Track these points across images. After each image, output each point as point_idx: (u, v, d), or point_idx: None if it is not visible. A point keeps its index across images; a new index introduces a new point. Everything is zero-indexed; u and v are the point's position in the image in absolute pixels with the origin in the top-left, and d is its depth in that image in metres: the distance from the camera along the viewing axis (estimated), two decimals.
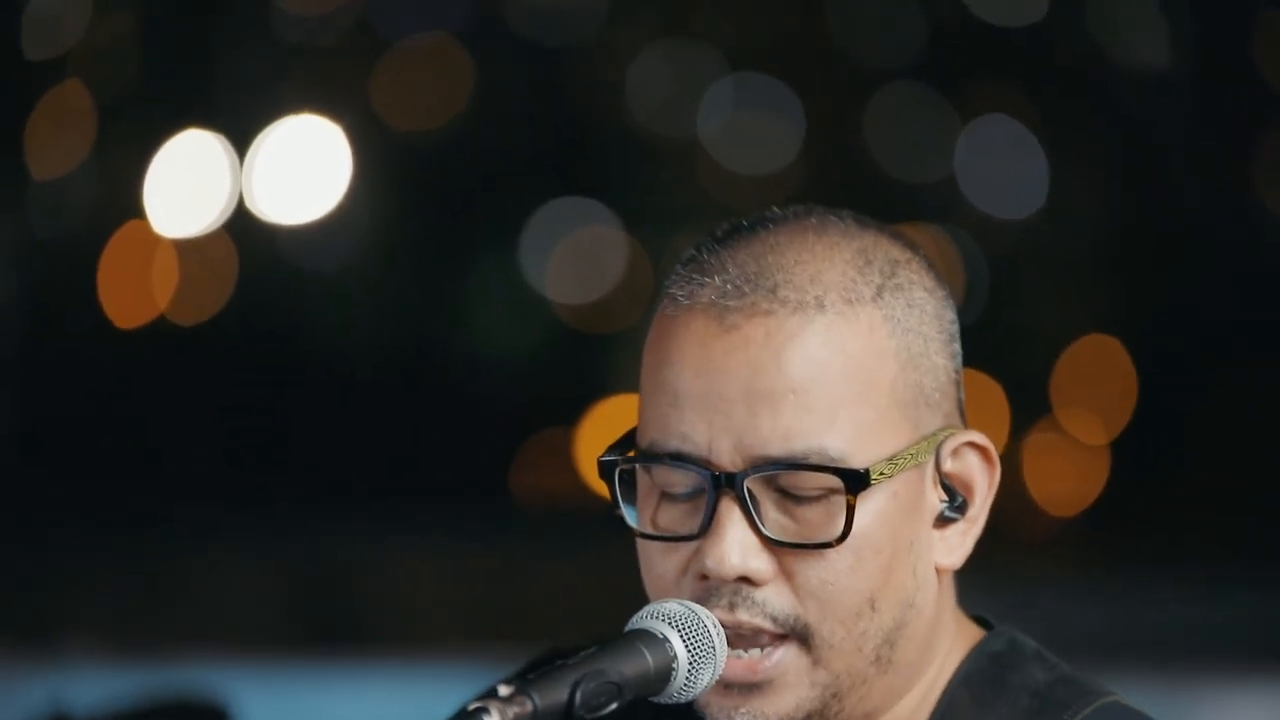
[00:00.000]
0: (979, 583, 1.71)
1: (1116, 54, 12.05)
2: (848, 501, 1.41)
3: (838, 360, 1.45)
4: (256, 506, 12.15)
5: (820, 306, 1.45)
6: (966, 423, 1.56)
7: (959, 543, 1.53)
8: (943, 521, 1.52)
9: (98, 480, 12.24)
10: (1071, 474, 12.50)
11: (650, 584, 1.51)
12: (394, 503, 12.02)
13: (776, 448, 1.42)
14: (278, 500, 12.20)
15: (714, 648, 1.40)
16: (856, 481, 1.40)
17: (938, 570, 1.51)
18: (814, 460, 1.42)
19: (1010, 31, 11.95)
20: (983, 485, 1.53)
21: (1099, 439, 12.52)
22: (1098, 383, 12.37)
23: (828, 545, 1.42)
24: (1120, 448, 12.35)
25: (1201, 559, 11.12)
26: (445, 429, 12.78)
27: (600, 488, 1.55)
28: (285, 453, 12.61)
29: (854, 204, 1.65)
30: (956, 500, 1.51)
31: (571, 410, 12.55)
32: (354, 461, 12.59)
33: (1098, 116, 12.37)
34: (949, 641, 1.56)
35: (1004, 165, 11.67)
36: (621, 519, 1.54)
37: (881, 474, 1.42)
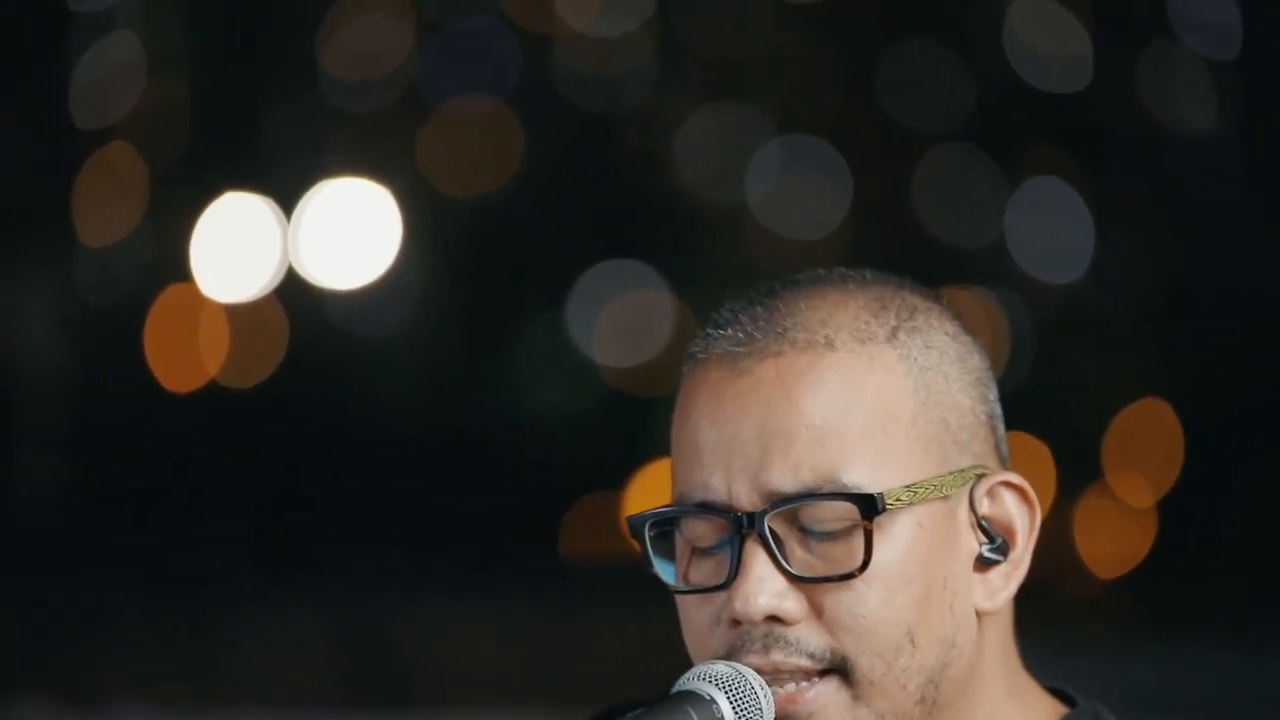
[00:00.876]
0: (1025, 642, 1.59)
1: (1164, 118, 12.16)
2: (865, 529, 1.40)
3: (850, 395, 1.44)
4: (306, 568, 12.35)
5: (830, 345, 1.46)
6: (1008, 468, 1.55)
7: (1001, 585, 1.50)
8: (984, 564, 1.50)
9: (147, 542, 12.39)
10: (1119, 536, 12.56)
11: (689, 639, 1.51)
12: (443, 564, 12.20)
13: (791, 483, 1.42)
14: (327, 561, 12.37)
15: (761, 709, 1.40)
16: (871, 506, 1.39)
17: (980, 614, 1.49)
18: (827, 490, 1.41)
19: (1058, 96, 12.06)
20: (1023, 527, 1.51)
21: (1146, 501, 12.62)
22: (1147, 446, 12.44)
23: (850, 576, 1.42)
24: (1167, 509, 12.44)
25: (1246, 622, 11.15)
26: (494, 491, 12.90)
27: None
28: (335, 515, 12.73)
29: (901, 268, 1.64)
30: (996, 542, 1.49)
31: (619, 472, 12.73)
32: (403, 523, 12.75)
33: (1145, 180, 12.51)
34: (1020, 710, 1.52)
35: (1052, 229, 11.77)
36: (657, 578, 1.54)
37: (898, 500, 1.41)
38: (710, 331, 1.56)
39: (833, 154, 12.83)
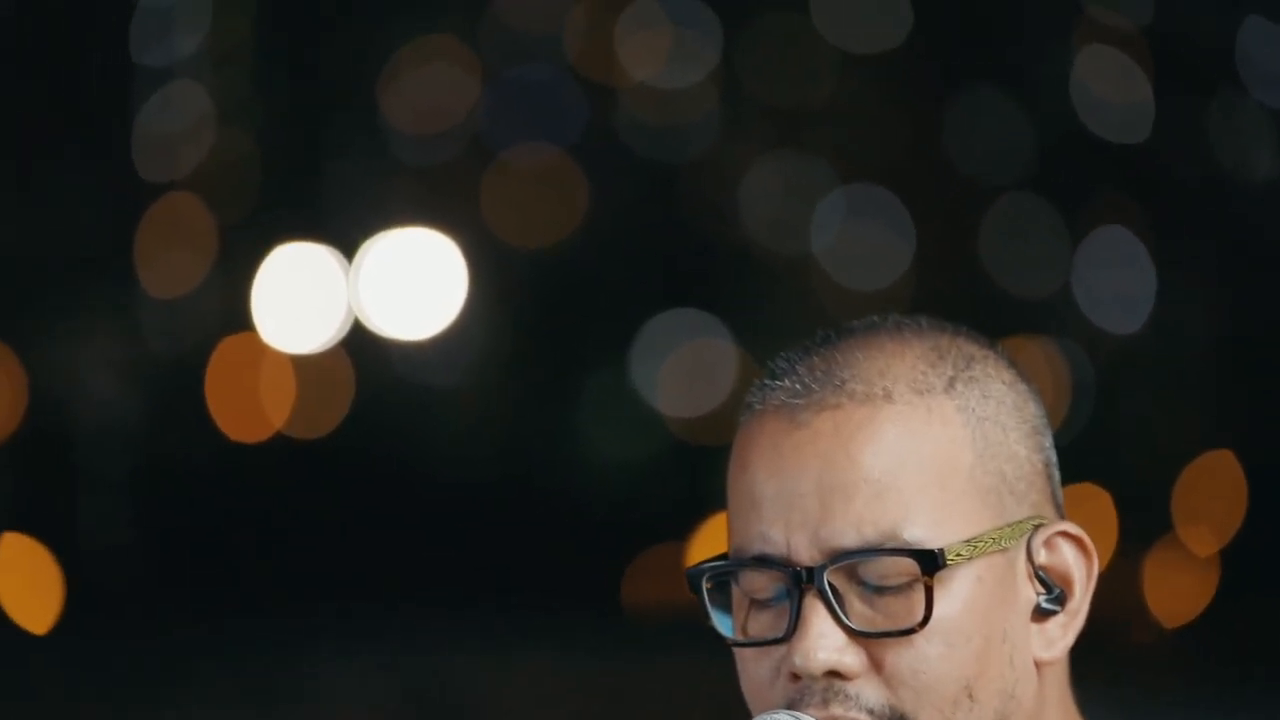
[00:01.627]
0: (1090, 690, 1.59)
1: (1229, 169, 12.19)
2: (925, 584, 1.39)
3: (909, 448, 1.43)
4: (370, 617, 12.53)
5: (888, 398, 1.45)
6: (1064, 517, 1.53)
7: (1059, 635, 1.50)
8: (1041, 614, 1.48)
9: (215, 591, 12.56)
10: (1184, 585, 12.60)
11: (748, 692, 1.51)
12: (506, 614, 12.40)
13: (851, 538, 1.40)
14: (390, 610, 12.56)
15: None
16: (931, 562, 1.38)
17: (1038, 664, 1.49)
18: (889, 546, 1.40)
19: (1123, 146, 12.11)
20: (1081, 576, 1.50)
21: (1209, 549, 12.72)
22: (1213, 497, 12.48)
23: (911, 631, 1.40)
24: (1230, 557, 12.46)
25: None
26: (557, 542, 13.11)
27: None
28: (398, 564, 12.88)
29: (964, 316, 1.56)
30: (1054, 592, 1.48)
31: (682, 524, 12.83)
32: (466, 573, 12.91)
33: (1209, 230, 12.49)
34: None
35: (1116, 278, 11.81)
36: (715, 631, 1.52)
37: (959, 555, 1.40)
38: (767, 382, 1.52)
39: (896, 203, 12.92)
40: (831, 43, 13.37)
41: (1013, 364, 1.51)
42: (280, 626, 12.09)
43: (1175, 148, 11.98)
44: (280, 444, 13.16)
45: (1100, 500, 11.45)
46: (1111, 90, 12.20)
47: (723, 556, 1.48)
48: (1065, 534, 1.48)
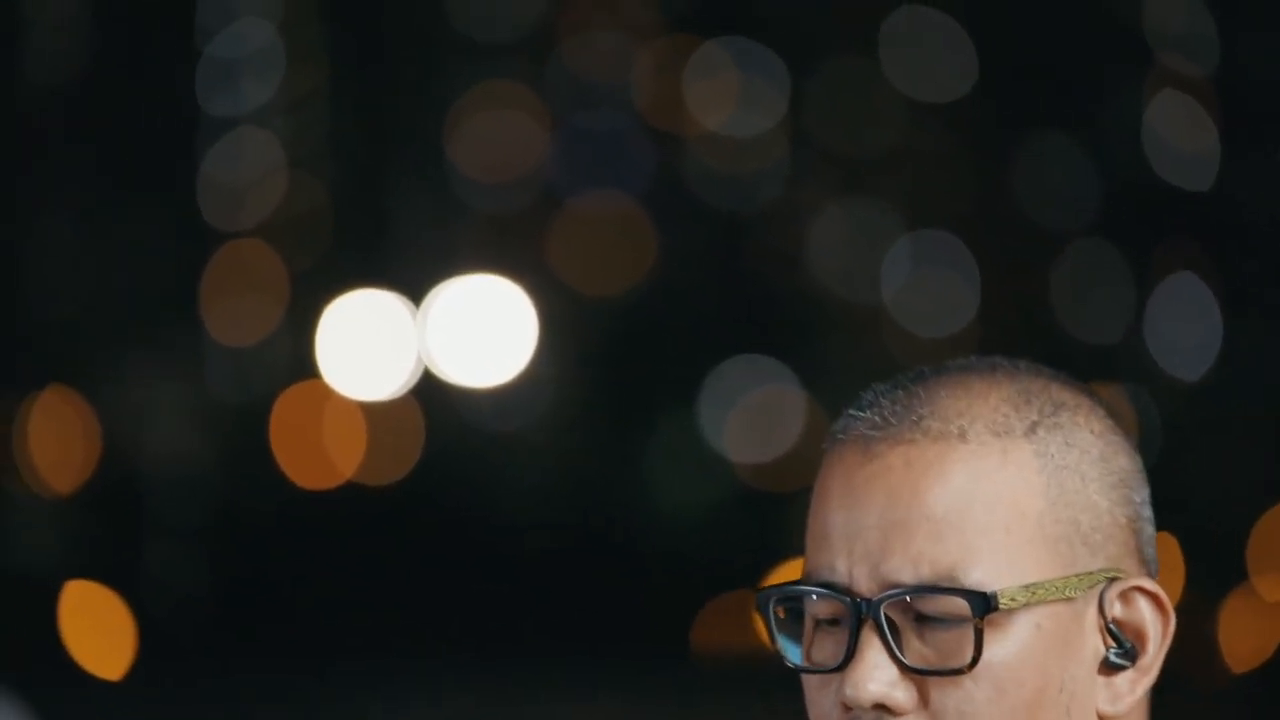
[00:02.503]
0: None
1: None
2: (975, 626, 1.35)
3: (978, 490, 1.39)
4: (439, 664, 12.67)
5: (962, 437, 1.40)
6: (1152, 573, 1.41)
7: (1126, 691, 1.43)
8: (1110, 669, 1.41)
9: (285, 637, 12.74)
10: (1254, 631, 12.70)
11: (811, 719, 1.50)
12: (576, 660, 12.50)
13: (908, 574, 1.36)
14: (460, 657, 12.75)
15: None
16: (983, 604, 1.35)
17: (1102, 718, 1.43)
18: (942, 585, 1.36)
19: (1191, 192, 12.15)
20: (1155, 634, 1.43)
21: (1278, 594, 12.88)
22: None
23: (959, 671, 1.37)
24: None
25: None
26: (627, 588, 13.29)
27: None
28: (467, 611, 13.04)
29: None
30: (1125, 647, 1.42)
31: (752, 571, 12.78)
32: (536, 619, 13.14)
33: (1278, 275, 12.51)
34: None
35: (1185, 324, 11.84)
36: (783, 669, 1.44)
37: (1013, 600, 1.36)
38: (852, 412, 1.58)
39: (963, 250, 13.00)
40: (900, 90, 13.50)
41: (1110, 414, 1.43)
42: (350, 673, 12.21)
43: (1243, 194, 12.02)
44: (349, 492, 13.41)
45: (1168, 547, 11.51)
46: (1180, 137, 12.29)
47: (795, 581, 1.48)
48: (1142, 589, 1.42)
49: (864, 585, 1.36)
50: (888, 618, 1.35)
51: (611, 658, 12.54)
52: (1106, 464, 1.42)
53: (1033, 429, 1.39)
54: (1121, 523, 1.42)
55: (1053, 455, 1.38)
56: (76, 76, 13.14)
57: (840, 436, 1.45)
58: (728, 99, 13.74)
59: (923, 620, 1.36)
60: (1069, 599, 1.37)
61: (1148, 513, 1.42)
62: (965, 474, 1.37)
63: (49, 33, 12.95)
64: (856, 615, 1.36)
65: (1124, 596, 1.39)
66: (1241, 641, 12.55)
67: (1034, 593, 1.35)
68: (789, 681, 1.43)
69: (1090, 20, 13.24)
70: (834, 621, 1.41)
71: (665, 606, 13.13)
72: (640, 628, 12.91)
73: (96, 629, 12.31)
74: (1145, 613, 1.40)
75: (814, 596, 1.42)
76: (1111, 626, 1.39)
